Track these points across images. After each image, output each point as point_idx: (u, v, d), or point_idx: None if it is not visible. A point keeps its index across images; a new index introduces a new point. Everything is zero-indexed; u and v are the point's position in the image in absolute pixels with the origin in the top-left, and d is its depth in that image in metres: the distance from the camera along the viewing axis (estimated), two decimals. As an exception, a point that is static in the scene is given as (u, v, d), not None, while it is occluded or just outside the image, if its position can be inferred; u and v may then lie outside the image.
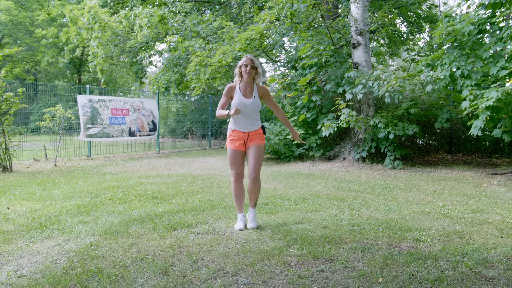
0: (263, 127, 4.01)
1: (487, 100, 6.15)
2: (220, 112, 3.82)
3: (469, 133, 6.70)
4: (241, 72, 3.86)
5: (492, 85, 6.83)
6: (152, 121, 12.78)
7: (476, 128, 6.47)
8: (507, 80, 6.95)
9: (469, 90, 7.29)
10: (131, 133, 12.04)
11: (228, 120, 11.24)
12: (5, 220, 4.20)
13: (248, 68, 3.80)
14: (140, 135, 12.37)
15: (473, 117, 7.36)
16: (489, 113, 6.29)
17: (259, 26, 10.07)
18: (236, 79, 3.92)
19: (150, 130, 12.70)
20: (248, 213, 4.01)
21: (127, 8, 15.45)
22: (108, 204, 4.94)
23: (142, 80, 17.71)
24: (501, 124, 6.93)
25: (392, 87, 7.78)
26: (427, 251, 3.26)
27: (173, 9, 14.46)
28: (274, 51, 12.41)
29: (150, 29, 13.30)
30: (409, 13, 15.24)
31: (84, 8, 15.17)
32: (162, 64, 16.33)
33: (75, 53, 25.39)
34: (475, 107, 6.54)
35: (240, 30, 11.52)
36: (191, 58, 11.59)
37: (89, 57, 15.60)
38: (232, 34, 11.00)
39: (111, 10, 16.75)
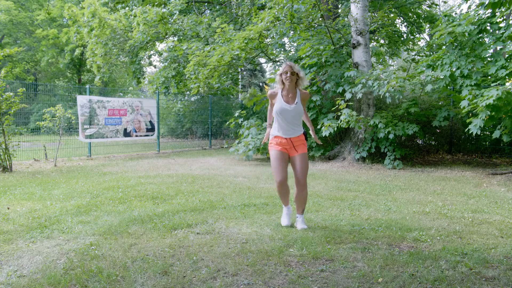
0: (305, 133, 4.00)
1: (487, 98, 6.15)
2: (268, 124, 4.06)
3: (468, 132, 6.69)
4: (282, 80, 3.87)
5: (491, 85, 6.83)
6: (150, 122, 12.77)
7: (475, 127, 6.46)
8: (507, 80, 6.95)
9: (468, 90, 7.29)
10: (127, 134, 12.01)
11: (230, 121, 11.29)
12: (5, 220, 4.20)
13: (289, 75, 3.81)
14: (136, 136, 12.35)
15: (472, 116, 7.36)
16: (488, 112, 6.28)
17: (257, 26, 10.08)
18: (278, 86, 3.93)
19: (148, 131, 12.69)
20: (297, 219, 4.01)
21: (126, 8, 15.45)
22: (108, 204, 4.94)
23: (140, 79, 17.70)
24: (501, 125, 6.93)
25: (393, 87, 7.78)
26: (427, 251, 3.26)
27: (170, 9, 14.43)
28: (274, 51, 12.41)
29: (146, 26, 13.28)
30: (409, 13, 15.24)
31: (84, 8, 15.16)
32: (160, 62, 16.34)
33: (75, 54, 25.38)
34: (474, 105, 6.54)
35: (236, 31, 11.53)
36: (190, 58, 11.59)
37: (87, 53, 15.55)
38: (228, 36, 11.00)
39: (109, 9, 16.74)
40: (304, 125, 4.46)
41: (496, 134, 6.98)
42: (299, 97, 3.90)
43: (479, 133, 6.48)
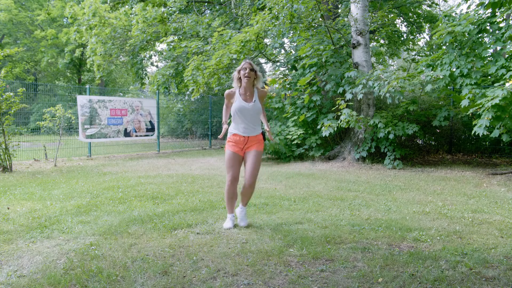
0: (263, 133, 4.01)
1: (492, 98, 6.14)
2: (224, 121, 4.03)
3: (472, 133, 6.66)
4: (239, 77, 3.86)
5: (494, 85, 6.83)
6: (150, 122, 12.77)
7: (481, 127, 6.43)
8: (507, 80, 6.95)
9: (468, 89, 7.29)
10: (127, 134, 12.02)
11: (230, 121, 11.28)
12: (5, 220, 4.20)
13: (247, 71, 3.81)
14: (136, 136, 12.35)
15: (474, 117, 7.36)
16: (493, 113, 6.27)
17: (253, 27, 10.08)
18: (235, 84, 3.93)
19: (147, 131, 12.68)
20: (238, 210, 4.04)
21: (126, 6, 15.45)
22: (108, 204, 4.94)
23: (143, 80, 17.70)
24: (501, 125, 6.92)
25: (393, 88, 7.78)
26: (427, 251, 3.26)
27: (169, 8, 14.43)
28: (274, 52, 12.41)
29: (145, 24, 13.28)
30: (409, 13, 15.24)
31: (85, 8, 15.15)
32: (160, 61, 16.34)
33: (75, 54, 25.40)
34: (479, 106, 6.51)
35: (236, 31, 11.53)
36: (189, 62, 11.59)
37: (87, 52, 15.55)
38: (225, 39, 11.00)
39: (112, 9, 16.74)
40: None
41: (495, 133, 6.98)
42: (257, 95, 3.89)
43: (485, 133, 6.45)
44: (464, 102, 7.13)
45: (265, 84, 14.22)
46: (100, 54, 14.68)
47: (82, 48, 22.46)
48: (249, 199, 4.05)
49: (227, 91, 3.95)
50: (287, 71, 11.92)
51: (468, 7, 9.03)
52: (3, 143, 8.00)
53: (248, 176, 3.87)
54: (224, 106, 4.09)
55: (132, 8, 14.85)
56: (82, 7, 15.15)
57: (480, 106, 6.46)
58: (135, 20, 13.69)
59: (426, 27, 16.31)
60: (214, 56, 10.50)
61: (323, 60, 9.37)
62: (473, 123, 6.78)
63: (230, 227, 3.90)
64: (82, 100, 10.87)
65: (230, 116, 4.00)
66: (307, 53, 9.45)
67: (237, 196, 4.05)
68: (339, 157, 9.67)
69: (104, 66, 15.37)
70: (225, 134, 4.06)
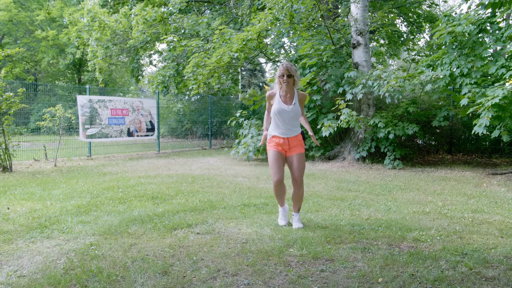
0: (302, 133, 4.04)
1: (493, 98, 6.14)
2: (265, 124, 4.11)
3: (473, 132, 6.66)
4: (279, 82, 3.91)
5: (494, 84, 6.83)
6: (150, 122, 12.77)
7: (481, 127, 6.43)
8: (507, 80, 6.95)
9: (468, 89, 7.30)
10: (130, 134, 12.03)
11: (231, 119, 11.30)
12: (5, 220, 4.20)
13: (285, 78, 3.85)
14: (137, 136, 12.36)
15: (473, 117, 7.36)
16: (493, 112, 6.27)
17: (255, 26, 10.08)
18: (276, 87, 3.98)
19: (148, 131, 12.69)
20: (292, 217, 4.06)
21: (126, 7, 15.45)
22: (108, 204, 4.94)
23: (138, 77, 17.69)
24: (501, 125, 6.92)
25: (392, 88, 7.78)
26: (427, 251, 3.26)
27: (169, 9, 14.44)
28: (274, 52, 12.41)
29: (145, 25, 13.29)
30: (409, 13, 15.24)
31: (84, 8, 15.17)
32: (160, 61, 16.35)
33: (76, 56, 25.41)
34: (479, 105, 6.52)
35: (236, 31, 11.53)
36: (189, 60, 11.59)
37: (88, 56, 15.59)
38: (226, 37, 11.01)
39: (111, 10, 16.75)
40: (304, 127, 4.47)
41: (495, 133, 6.98)
42: (297, 98, 3.93)
43: (485, 132, 6.45)
44: (464, 101, 7.13)
45: (265, 84, 14.20)
46: (102, 58, 14.70)
47: (82, 49, 22.47)
48: (300, 203, 4.04)
49: (268, 92, 4.00)
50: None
51: (469, 7, 9.03)
52: (3, 143, 8.00)
53: (296, 177, 3.90)
54: (266, 112, 4.13)
55: (131, 9, 14.85)
56: (81, 7, 15.17)
57: (480, 105, 6.46)
58: (135, 21, 13.69)
59: (426, 27, 16.31)
60: (215, 54, 10.49)
61: (324, 60, 9.37)
62: (473, 122, 6.78)
63: (284, 224, 3.98)
64: (82, 100, 10.87)
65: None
66: (307, 53, 9.45)
67: (286, 191, 4.04)
68: (339, 157, 9.67)
69: (104, 68, 15.40)
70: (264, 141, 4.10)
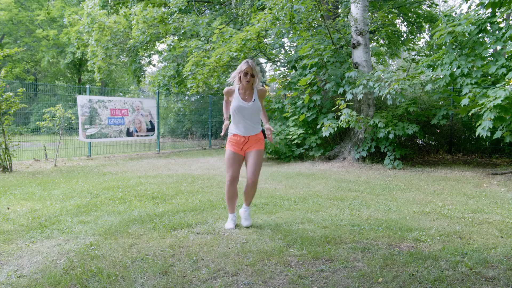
0: (263, 131, 3.99)
1: (495, 99, 6.13)
2: (225, 117, 4.04)
3: (476, 134, 6.65)
4: (239, 77, 3.83)
5: (494, 85, 6.82)
6: (150, 122, 12.77)
7: (484, 129, 6.41)
8: (507, 80, 6.95)
9: (469, 89, 7.29)
10: (129, 134, 12.03)
11: (230, 121, 11.28)
12: (5, 220, 4.20)
13: (248, 77, 3.79)
14: (137, 136, 12.36)
15: (473, 117, 7.36)
16: (495, 113, 6.26)
17: (254, 26, 10.08)
18: (235, 83, 3.90)
19: (148, 131, 12.69)
20: (242, 210, 4.02)
21: (126, 9, 15.47)
22: (108, 204, 4.94)
23: (140, 78, 17.70)
24: (503, 126, 6.91)
25: (394, 90, 7.78)
26: (427, 251, 3.26)
27: (169, 9, 14.45)
28: (274, 51, 12.41)
29: (146, 24, 13.30)
30: (409, 13, 15.24)
31: (84, 8, 15.18)
32: (160, 62, 16.35)
33: (76, 55, 25.42)
34: (480, 106, 6.50)
35: (237, 31, 11.53)
36: (189, 58, 11.59)
37: (88, 55, 15.60)
38: (226, 37, 11.01)
39: (111, 10, 16.76)
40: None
41: (497, 134, 6.96)
42: (256, 94, 3.86)
43: (488, 135, 6.42)
44: (464, 101, 7.13)
45: (265, 84, 14.21)
46: (102, 59, 14.71)
47: (83, 48, 22.50)
48: (252, 198, 4.03)
49: (226, 89, 3.93)
50: (287, 71, 11.92)
51: (469, 7, 9.03)
52: (3, 143, 8.00)
53: (250, 175, 3.86)
54: (224, 102, 4.07)
55: (131, 8, 14.85)
56: (82, 7, 15.18)
57: (482, 106, 6.45)
58: (135, 20, 13.70)
59: (426, 27, 16.31)
60: (214, 53, 10.49)
61: (325, 59, 9.37)
62: (477, 124, 6.76)
63: (231, 228, 3.89)
64: (82, 100, 10.87)
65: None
66: (307, 53, 9.45)
67: (238, 195, 4.04)
68: (339, 157, 9.67)
69: (104, 68, 15.41)
70: (226, 133, 4.05)
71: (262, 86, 4.04)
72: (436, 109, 9.01)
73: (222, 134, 4.10)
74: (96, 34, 14.37)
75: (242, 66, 3.82)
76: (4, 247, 3.39)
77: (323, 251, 3.23)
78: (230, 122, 4.00)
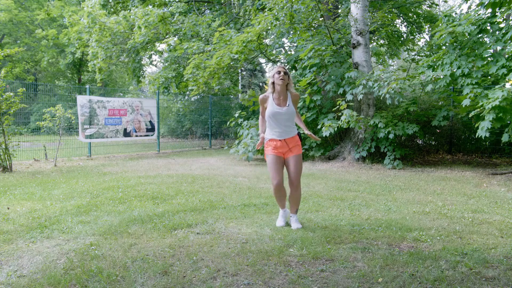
0: (299, 134, 4.03)
1: (493, 100, 6.13)
2: (260, 128, 4.11)
3: (477, 135, 6.65)
4: (273, 82, 3.91)
5: (494, 85, 6.82)
6: (150, 122, 12.77)
7: (483, 130, 6.42)
8: (507, 80, 6.95)
9: (469, 89, 7.29)
10: (126, 134, 12.01)
11: (230, 120, 11.31)
12: (5, 220, 4.20)
13: (282, 74, 3.85)
14: (136, 136, 12.35)
15: (473, 118, 7.36)
16: (494, 115, 6.27)
17: (255, 28, 10.08)
18: (269, 90, 3.98)
19: (148, 131, 12.69)
20: (291, 218, 4.04)
21: (127, 11, 15.47)
22: (108, 204, 4.94)
23: (140, 78, 17.70)
24: (509, 128, 6.90)
25: (393, 90, 7.78)
26: (427, 251, 3.26)
27: (170, 9, 14.45)
28: (274, 52, 12.42)
29: (148, 29, 13.31)
30: (409, 13, 15.24)
31: (84, 8, 15.18)
32: (161, 62, 16.38)
33: (76, 55, 25.43)
34: (480, 107, 6.50)
35: (237, 31, 11.54)
36: (189, 61, 11.59)
37: (89, 56, 15.62)
38: (226, 39, 11.01)
39: (111, 9, 16.75)
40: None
41: (505, 137, 6.92)
42: (290, 99, 3.93)
43: (487, 135, 6.43)
44: (465, 102, 7.13)
45: (265, 84, 14.21)
46: (102, 59, 14.72)
47: (83, 48, 22.51)
48: (298, 204, 4.03)
49: (261, 96, 4.00)
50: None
51: (469, 7, 9.03)
52: (3, 143, 8.00)
53: (293, 179, 3.91)
54: (260, 116, 4.13)
55: (130, 10, 14.85)
56: (82, 7, 15.17)
57: (481, 107, 6.45)
58: (136, 25, 13.68)
59: (426, 27, 16.31)
60: (215, 55, 10.50)
61: (326, 61, 9.37)
62: (476, 125, 6.76)
63: (281, 225, 3.97)
64: (82, 100, 10.87)
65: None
66: (308, 55, 9.45)
67: (286, 194, 4.04)
68: (339, 157, 9.67)
69: (104, 68, 15.41)
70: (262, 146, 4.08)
71: (295, 92, 4.08)
72: (436, 109, 9.01)
73: (258, 147, 4.08)
74: (96, 35, 14.38)
75: (274, 69, 3.94)
76: (4, 247, 3.39)
77: (323, 251, 3.23)
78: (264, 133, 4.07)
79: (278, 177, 3.87)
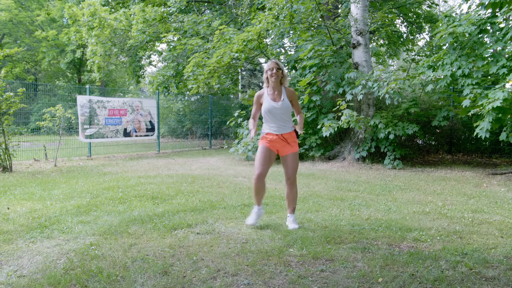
0: (295, 131, 4.01)
1: (494, 101, 6.13)
2: (250, 126, 4.00)
3: (474, 135, 6.65)
4: (267, 77, 3.93)
5: (494, 86, 6.82)
6: (150, 122, 12.77)
7: (482, 130, 6.41)
8: (507, 80, 6.95)
9: (470, 89, 7.29)
10: (126, 134, 12.02)
11: (230, 120, 11.31)
12: (5, 220, 4.20)
13: (274, 71, 3.87)
14: (136, 136, 12.35)
15: (473, 118, 7.36)
16: (494, 114, 6.27)
17: (255, 27, 10.08)
18: (264, 85, 4.00)
19: (148, 131, 12.69)
20: (288, 218, 4.02)
21: (126, 9, 15.47)
22: (108, 204, 4.94)
23: (139, 78, 17.69)
24: (507, 127, 6.90)
25: (392, 89, 7.78)
26: (427, 251, 3.26)
27: (169, 9, 14.44)
28: (274, 51, 12.42)
29: (145, 25, 13.30)
30: (409, 13, 15.24)
31: (84, 8, 15.17)
32: (160, 61, 16.38)
33: (76, 55, 25.44)
34: (480, 108, 6.50)
35: (237, 31, 11.53)
36: (189, 59, 11.59)
37: (88, 54, 15.59)
38: (226, 37, 11.01)
39: (112, 10, 16.76)
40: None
41: (503, 136, 6.93)
42: (285, 94, 3.94)
43: (487, 136, 6.43)
44: (466, 102, 7.13)
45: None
46: (100, 55, 14.69)
47: (82, 49, 22.51)
48: (295, 204, 4.00)
49: (257, 93, 4.01)
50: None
51: (469, 8, 9.02)
52: (3, 143, 8.00)
53: (289, 175, 3.91)
54: (251, 119, 4.04)
55: (130, 9, 14.86)
56: (82, 7, 15.17)
57: (481, 108, 6.45)
58: (134, 20, 13.70)
59: (426, 27, 16.31)
60: (215, 54, 10.50)
61: (326, 61, 9.37)
62: (474, 125, 6.77)
63: (252, 224, 3.91)
64: (82, 100, 10.87)
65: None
66: (308, 56, 9.45)
67: (265, 190, 4.01)
68: (339, 157, 9.67)
69: (103, 67, 15.39)
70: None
71: (290, 88, 4.07)
72: (437, 109, 9.01)
73: (251, 137, 3.95)
74: (96, 30, 14.35)
75: (267, 65, 3.95)
76: (4, 247, 3.39)
77: (323, 251, 3.23)
78: (256, 132, 4.04)
79: (261, 168, 3.85)
